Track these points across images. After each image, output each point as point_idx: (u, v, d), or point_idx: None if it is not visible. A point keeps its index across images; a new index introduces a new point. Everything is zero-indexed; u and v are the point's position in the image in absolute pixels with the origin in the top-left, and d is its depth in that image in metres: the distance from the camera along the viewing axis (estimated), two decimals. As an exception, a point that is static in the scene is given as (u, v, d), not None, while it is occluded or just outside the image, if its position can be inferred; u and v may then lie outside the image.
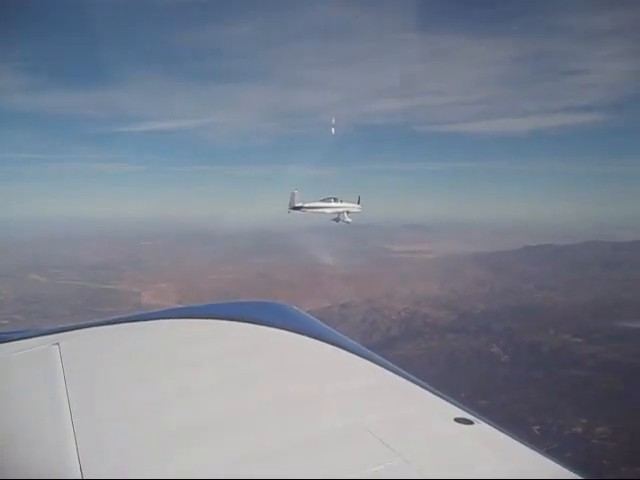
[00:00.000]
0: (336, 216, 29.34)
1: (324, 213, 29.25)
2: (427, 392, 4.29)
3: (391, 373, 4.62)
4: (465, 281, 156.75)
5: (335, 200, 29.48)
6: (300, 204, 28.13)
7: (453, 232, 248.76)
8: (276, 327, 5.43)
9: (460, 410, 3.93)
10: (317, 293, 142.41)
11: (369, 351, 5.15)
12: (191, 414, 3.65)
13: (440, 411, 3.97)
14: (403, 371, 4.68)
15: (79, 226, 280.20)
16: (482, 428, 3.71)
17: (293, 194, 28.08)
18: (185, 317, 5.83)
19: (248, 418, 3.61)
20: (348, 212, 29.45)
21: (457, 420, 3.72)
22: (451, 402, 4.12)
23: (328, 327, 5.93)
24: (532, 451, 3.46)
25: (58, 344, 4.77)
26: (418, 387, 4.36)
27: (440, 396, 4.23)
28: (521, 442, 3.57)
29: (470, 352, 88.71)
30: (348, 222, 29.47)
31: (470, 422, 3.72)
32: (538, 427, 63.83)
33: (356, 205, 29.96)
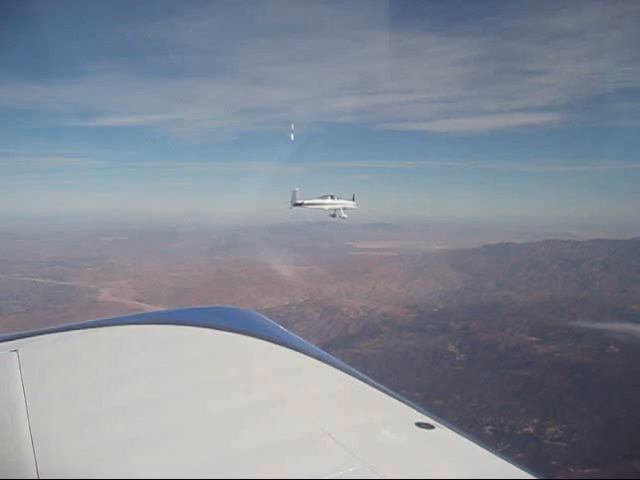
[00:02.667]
0: (332, 212, 30.38)
1: (322, 209, 30.26)
2: (388, 397, 4.23)
3: (352, 378, 4.56)
4: (426, 279, 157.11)
5: (332, 197, 30.47)
6: (301, 201, 29.34)
7: (416, 230, 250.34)
8: (237, 332, 5.40)
9: (421, 414, 3.90)
10: (276, 291, 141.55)
11: (330, 356, 5.10)
12: (151, 420, 3.58)
13: (401, 415, 3.94)
14: (364, 376, 4.61)
15: (38, 222, 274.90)
16: (443, 432, 3.70)
17: (294, 192, 29.33)
18: (147, 323, 5.78)
19: (208, 424, 3.56)
20: (344, 208, 30.38)
21: (418, 424, 3.70)
22: (412, 406, 4.06)
23: (289, 332, 5.87)
24: (492, 455, 3.46)
25: (17, 351, 4.75)
26: (379, 392, 4.30)
27: (401, 400, 4.17)
28: (482, 446, 3.55)
29: (426, 351, 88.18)
30: (344, 218, 30.43)
31: (431, 426, 3.70)
32: (491, 427, 63.56)
33: (351, 202, 30.90)
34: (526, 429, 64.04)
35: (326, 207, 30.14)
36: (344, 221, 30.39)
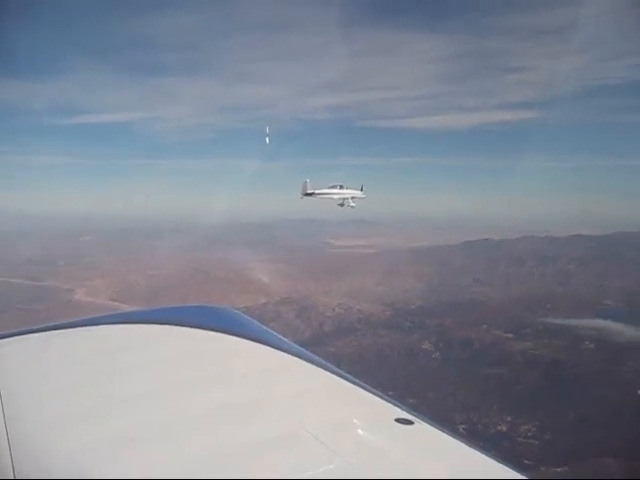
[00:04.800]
0: (341, 201, 31.63)
1: (332, 199, 31.52)
2: (367, 393, 4.25)
3: (331, 374, 4.57)
4: (403, 276, 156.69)
5: (341, 187, 31.86)
6: (311, 191, 30.64)
7: (395, 227, 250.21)
8: (216, 331, 5.34)
9: (400, 410, 3.92)
10: (253, 289, 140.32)
11: (310, 353, 5.06)
12: (130, 421, 3.54)
13: (380, 412, 3.97)
14: (343, 372, 4.61)
15: (15, 220, 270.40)
16: (423, 428, 3.73)
17: (305, 182, 30.69)
18: (124, 322, 5.69)
19: (188, 424, 3.53)
20: (353, 198, 31.64)
21: (398, 420, 3.72)
22: (391, 402, 4.09)
23: (268, 329, 5.86)
24: (473, 450, 3.49)
25: None
26: (358, 388, 4.33)
27: (380, 396, 4.19)
28: (462, 441, 3.60)
29: (401, 349, 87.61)
30: (353, 207, 31.76)
31: (410, 422, 3.72)
32: (464, 426, 62.92)
33: (360, 192, 32.17)
34: (499, 427, 63.67)
35: (335, 197, 31.64)
36: (352, 209, 31.74)
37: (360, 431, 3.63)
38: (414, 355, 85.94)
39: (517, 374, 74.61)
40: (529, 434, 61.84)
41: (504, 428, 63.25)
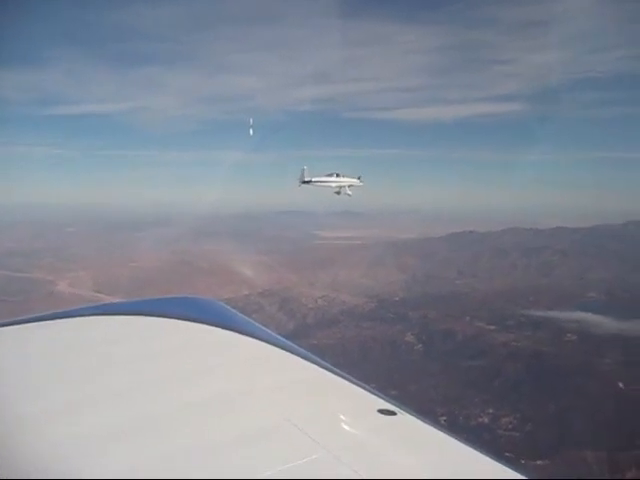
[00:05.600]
0: (338, 190, 31.80)
1: (329, 187, 31.62)
2: (350, 384, 4.29)
3: (315, 366, 4.59)
4: (388, 268, 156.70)
5: (338, 175, 31.93)
6: (309, 179, 30.75)
7: (382, 219, 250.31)
8: (201, 322, 5.32)
9: (383, 401, 3.97)
10: (237, 281, 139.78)
11: (293, 344, 5.06)
12: (116, 413, 3.56)
13: (363, 403, 4.01)
14: (327, 364, 4.64)
15: None
16: (405, 419, 3.77)
17: (303, 170, 30.74)
18: (109, 314, 5.61)
19: (172, 416, 3.55)
20: (350, 186, 31.74)
21: (380, 411, 3.76)
22: (374, 393, 4.14)
23: (252, 321, 5.81)
24: (455, 441, 3.55)
25: None
26: (341, 379, 4.37)
27: (363, 388, 4.23)
28: (444, 432, 3.66)
29: (384, 341, 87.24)
30: (349, 195, 31.88)
31: (393, 413, 3.76)
32: (445, 418, 62.62)
33: (357, 180, 32.20)
34: (481, 419, 63.49)
35: (332, 184, 31.62)
36: (349, 197, 31.67)
37: (343, 422, 3.67)
38: (397, 347, 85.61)
39: (499, 366, 74.39)
40: (510, 426, 61.68)
41: (486, 420, 63.06)
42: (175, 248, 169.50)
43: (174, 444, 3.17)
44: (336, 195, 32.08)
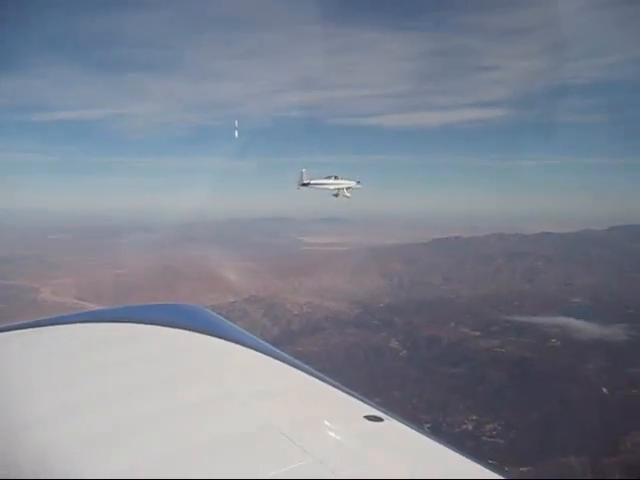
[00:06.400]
0: (336, 192, 32.08)
1: (327, 189, 31.95)
2: (337, 390, 4.30)
3: (301, 372, 4.59)
4: (373, 274, 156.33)
5: (336, 178, 32.26)
6: (307, 181, 31.07)
7: (368, 225, 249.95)
8: (187, 329, 5.35)
9: (369, 407, 3.95)
10: (222, 288, 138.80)
11: (279, 351, 5.08)
12: (103, 419, 3.59)
13: (350, 409, 4.01)
14: (313, 370, 4.65)
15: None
16: (392, 425, 3.75)
17: (302, 173, 31.01)
18: (96, 321, 5.66)
19: (160, 421, 3.58)
20: (348, 188, 32.05)
21: (367, 417, 3.74)
22: (360, 399, 4.12)
23: (239, 328, 5.83)
24: (442, 447, 3.55)
25: None
26: (328, 386, 4.36)
27: (350, 394, 4.23)
28: (431, 437, 3.65)
29: (368, 347, 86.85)
30: (348, 197, 32.13)
31: (380, 419, 3.74)
32: (429, 425, 62.10)
33: (354, 183, 32.50)
34: (464, 426, 63.20)
35: (331, 187, 32.04)
36: (347, 199, 32.16)
37: (329, 428, 3.65)
38: (381, 354, 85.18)
39: (483, 372, 74.22)
40: (494, 433, 61.41)
41: (470, 427, 62.75)
42: (159, 254, 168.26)
43: (160, 448, 3.18)
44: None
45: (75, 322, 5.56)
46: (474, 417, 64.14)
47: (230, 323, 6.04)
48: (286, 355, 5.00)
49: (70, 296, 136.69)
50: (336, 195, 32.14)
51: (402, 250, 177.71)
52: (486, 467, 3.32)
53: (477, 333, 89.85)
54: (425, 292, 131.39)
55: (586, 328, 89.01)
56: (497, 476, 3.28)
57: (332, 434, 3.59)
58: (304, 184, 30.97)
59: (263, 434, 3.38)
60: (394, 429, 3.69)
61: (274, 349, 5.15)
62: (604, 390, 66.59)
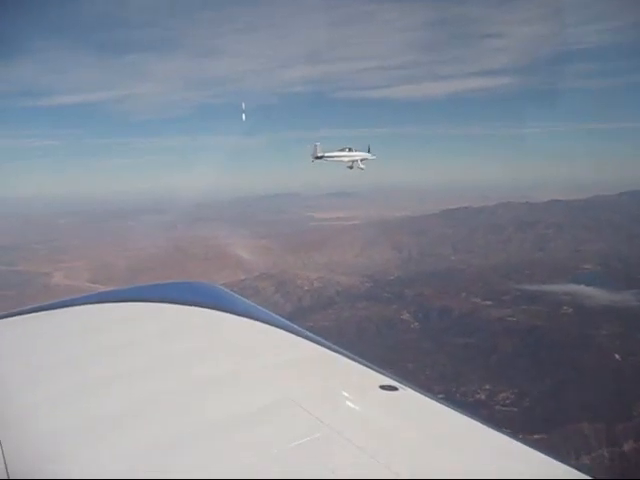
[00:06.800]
0: (350, 164, 32.06)
1: (342, 161, 31.91)
2: (351, 361, 4.30)
3: (315, 345, 4.59)
4: (383, 247, 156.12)
5: (350, 150, 32.06)
6: (321, 154, 30.90)
7: (376, 198, 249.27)
8: (200, 306, 5.38)
9: (384, 377, 3.98)
10: (232, 266, 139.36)
11: (293, 324, 5.06)
12: (121, 398, 3.62)
13: (365, 379, 4.03)
14: (328, 342, 4.65)
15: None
16: (407, 394, 3.79)
17: (315, 146, 30.85)
18: (108, 301, 5.67)
19: (175, 399, 3.61)
20: (362, 160, 31.88)
21: (382, 387, 3.77)
22: (375, 370, 4.15)
23: (251, 303, 5.82)
24: (458, 414, 3.54)
25: None
26: (342, 357, 4.37)
27: (364, 364, 4.25)
28: (446, 405, 3.66)
29: (380, 320, 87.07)
30: (362, 169, 32.06)
31: (395, 388, 3.77)
32: (442, 396, 62.22)
33: (368, 154, 32.37)
34: (478, 395, 63.47)
35: (345, 159, 31.86)
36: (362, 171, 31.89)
37: (345, 399, 3.67)
38: (393, 326, 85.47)
39: (496, 342, 74.40)
40: (507, 402, 61.72)
41: (482, 397, 63.06)
42: (169, 235, 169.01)
43: (179, 425, 3.22)
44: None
45: (84, 304, 5.58)
46: (487, 386, 64.43)
47: (243, 299, 6.04)
48: (300, 328, 5.01)
49: (82, 279, 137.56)
50: (351, 167, 32.16)
51: (411, 222, 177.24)
52: (501, 433, 3.34)
53: (488, 303, 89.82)
54: (435, 263, 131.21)
55: (597, 295, 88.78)
56: (515, 442, 3.27)
57: (348, 404, 3.62)
58: (318, 157, 30.89)
59: (280, 406, 3.43)
60: (409, 398, 3.73)
61: (288, 322, 5.16)
62: (616, 356, 66.67)
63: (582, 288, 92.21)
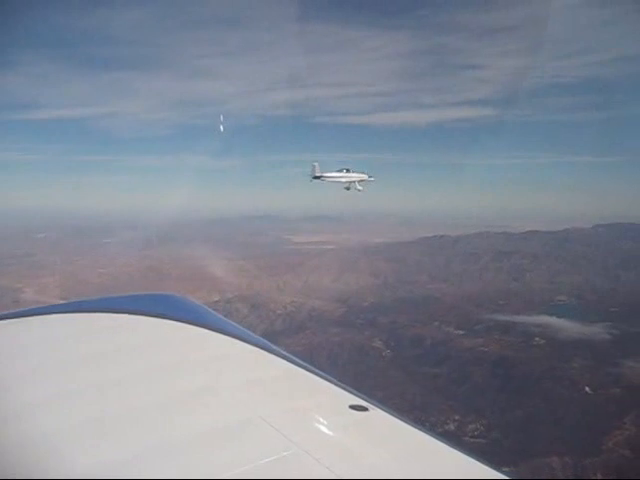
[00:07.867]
0: (348, 185, 32.09)
1: (340, 182, 32.01)
2: (322, 380, 4.31)
3: (286, 362, 4.60)
4: (359, 273, 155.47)
5: (348, 171, 32.35)
6: (320, 174, 31.04)
7: (355, 223, 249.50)
8: (170, 319, 5.28)
9: (354, 397, 3.98)
10: (207, 287, 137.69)
11: (265, 341, 5.04)
12: (85, 411, 3.56)
13: (336, 399, 4.02)
14: (299, 360, 4.65)
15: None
16: (377, 414, 3.78)
17: (314, 166, 31.03)
18: (78, 311, 5.59)
19: (143, 413, 3.56)
20: (360, 181, 32.08)
21: (352, 407, 3.77)
22: (346, 389, 4.15)
23: (223, 318, 5.79)
24: (425, 435, 3.59)
25: None
26: (313, 376, 4.38)
27: (335, 384, 4.24)
28: (414, 427, 3.68)
29: (352, 347, 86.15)
30: (359, 190, 32.14)
31: (365, 409, 3.77)
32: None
33: (366, 175, 32.53)
34: (447, 426, 62.62)
35: (343, 180, 32.12)
36: (359, 193, 32.17)
37: (315, 418, 3.65)
38: (364, 353, 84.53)
39: (467, 372, 73.90)
40: (476, 433, 60.99)
41: (452, 427, 62.21)
42: (143, 254, 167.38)
43: (145, 439, 3.16)
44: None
45: (56, 313, 5.45)
46: (456, 417, 63.70)
47: (213, 312, 5.97)
48: (272, 346, 4.94)
49: (54, 296, 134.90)
50: (348, 188, 32.13)
51: (389, 249, 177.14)
52: (470, 456, 3.32)
53: (461, 332, 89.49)
54: (410, 291, 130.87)
55: (569, 327, 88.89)
56: (482, 466, 3.29)
57: (317, 424, 3.56)
58: (316, 177, 30.87)
59: (248, 424, 3.36)
60: (379, 418, 3.70)
61: (261, 339, 5.08)
62: (587, 389, 66.33)
63: (555, 320, 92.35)
